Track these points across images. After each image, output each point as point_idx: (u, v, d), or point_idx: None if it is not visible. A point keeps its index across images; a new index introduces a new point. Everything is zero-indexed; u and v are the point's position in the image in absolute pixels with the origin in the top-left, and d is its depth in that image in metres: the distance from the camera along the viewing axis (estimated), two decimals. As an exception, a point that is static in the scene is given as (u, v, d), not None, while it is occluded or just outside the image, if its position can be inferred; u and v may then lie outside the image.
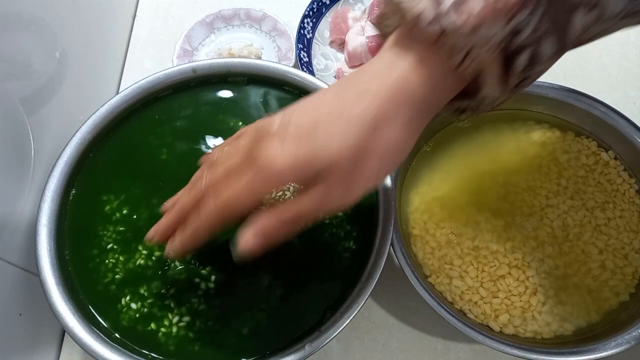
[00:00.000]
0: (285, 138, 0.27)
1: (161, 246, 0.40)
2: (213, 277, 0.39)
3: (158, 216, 0.41)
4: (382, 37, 0.31)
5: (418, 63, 0.28)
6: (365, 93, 0.28)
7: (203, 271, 0.39)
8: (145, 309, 0.38)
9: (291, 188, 0.40)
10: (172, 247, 0.32)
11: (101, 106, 0.44)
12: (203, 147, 0.44)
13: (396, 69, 0.28)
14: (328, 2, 0.61)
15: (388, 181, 0.41)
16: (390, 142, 0.28)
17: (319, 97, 0.30)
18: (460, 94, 0.30)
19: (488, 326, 0.41)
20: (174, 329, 0.37)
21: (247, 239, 0.29)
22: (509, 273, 0.43)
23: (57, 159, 0.42)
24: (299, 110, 0.29)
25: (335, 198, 0.29)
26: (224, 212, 0.29)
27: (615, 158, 0.47)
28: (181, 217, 0.32)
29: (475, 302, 0.42)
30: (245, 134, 0.31)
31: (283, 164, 0.27)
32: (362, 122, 0.27)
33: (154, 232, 0.34)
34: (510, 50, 0.26)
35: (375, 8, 0.60)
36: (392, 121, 0.28)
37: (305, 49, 0.57)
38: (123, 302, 0.38)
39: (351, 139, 0.27)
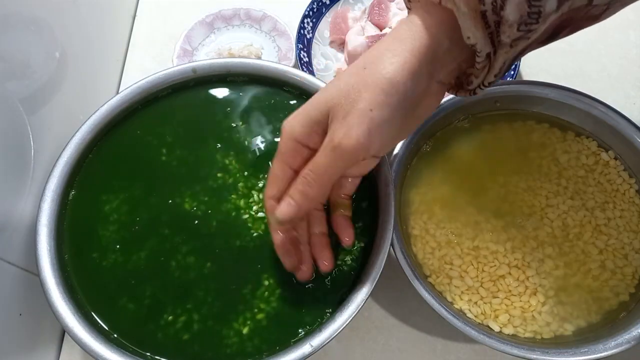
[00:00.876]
0: (350, 126, 0.31)
1: (161, 246, 0.40)
2: (213, 277, 0.39)
3: (158, 216, 0.41)
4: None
5: (420, 19, 0.32)
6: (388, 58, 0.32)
7: (203, 271, 0.39)
8: (145, 309, 0.38)
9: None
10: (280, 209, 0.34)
11: (101, 106, 0.44)
12: (203, 147, 0.44)
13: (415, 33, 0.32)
14: (328, 2, 0.61)
15: (388, 181, 0.41)
16: (380, 74, 0.31)
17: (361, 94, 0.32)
18: (469, 72, 0.33)
19: (488, 326, 0.41)
20: (174, 329, 0.37)
21: (281, 209, 0.33)
22: (509, 273, 0.42)
23: (57, 159, 0.42)
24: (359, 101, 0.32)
25: (339, 138, 0.31)
26: (321, 179, 0.33)
27: (615, 158, 0.47)
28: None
29: (475, 302, 0.42)
30: None
31: (349, 148, 0.31)
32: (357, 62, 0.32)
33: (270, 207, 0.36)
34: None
35: (375, 8, 0.60)
36: (385, 54, 0.31)
37: (305, 49, 0.57)
38: (122, 302, 0.38)
39: (345, 78, 0.32)
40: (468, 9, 0.29)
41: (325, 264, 0.38)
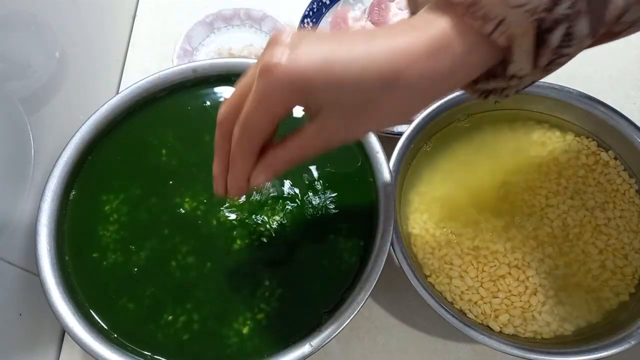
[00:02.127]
0: (295, 47, 0.25)
1: (161, 246, 0.40)
2: (213, 277, 0.39)
3: (158, 216, 0.41)
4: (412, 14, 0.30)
5: (455, 24, 0.26)
6: (396, 37, 0.26)
7: (203, 271, 0.39)
8: (145, 309, 0.38)
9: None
10: (229, 192, 0.32)
11: (101, 106, 0.44)
12: (203, 147, 0.44)
13: (434, 25, 0.26)
14: (328, 2, 0.61)
15: (388, 181, 0.41)
16: (408, 96, 0.26)
17: (347, 32, 0.28)
18: (489, 75, 0.29)
19: (488, 326, 0.41)
20: (174, 329, 0.37)
21: (256, 176, 0.30)
22: (509, 273, 0.42)
23: (57, 159, 0.42)
24: (321, 31, 0.27)
25: (335, 131, 0.28)
26: (247, 136, 0.28)
27: (615, 158, 0.47)
28: (225, 160, 0.31)
29: (475, 302, 0.42)
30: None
31: (284, 71, 0.25)
32: (387, 59, 0.25)
33: (216, 188, 0.33)
34: (545, 25, 0.25)
35: (375, 8, 0.60)
36: (418, 74, 0.26)
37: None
38: (122, 302, 0.38)
39: (371, 70, 0.25)
40: (528, 45, 0.25)
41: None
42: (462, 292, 0.42)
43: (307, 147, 0.29)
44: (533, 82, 0.30)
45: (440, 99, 0.29)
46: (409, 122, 0.46)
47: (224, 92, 0.47)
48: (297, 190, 0.42)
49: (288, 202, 0.42)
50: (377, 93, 0.26)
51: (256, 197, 0.42)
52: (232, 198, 0.33)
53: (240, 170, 0.30)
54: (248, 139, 0.28)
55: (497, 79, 0.29)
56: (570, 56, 0.28)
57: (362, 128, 0.29)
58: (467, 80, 0.28)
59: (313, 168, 0.43)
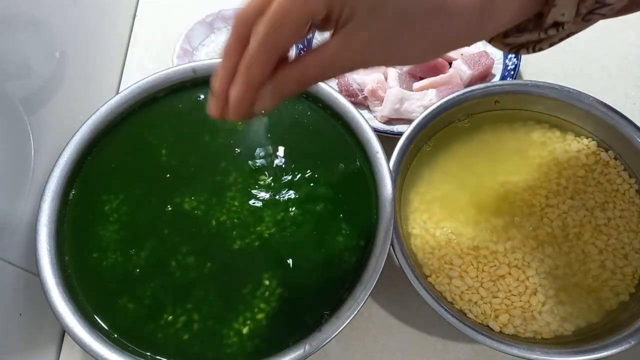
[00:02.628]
0: None
1: (161, 246, 0.40)
2: (213, 277, 0.39)
3: (158, 216, 0.41)
4: None
5: None
6: None
7: (203, 271, 0.39)
8: (145, 309, 0.38)
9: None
10: (229, 109, 0.27)
11: (101, 106, 0.44)
12: (202, 148, 0.44)
13: None
14: (328, 2, 0.61)
15: (388, 181, 0.41)
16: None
17: None
18: (520, 29, 0.28)
19: (488, 326, 0.41)
20: (174, 329, 0.37)
21: (263, 96, 0.25)
22: (509, 273, 0.42)
23: (57, 159, 0.42)
24: None
25: (364, 46, 0.24)
26: (273, 36, 0.24)
27: (616, 158, 0.47)
28: (233, 69, 0.26)
29: (475, 302, 0.42)
30: None
31: None
32: None
33: (212, 106, 0.28)
34: None
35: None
36: (463, 3, 0.24)
37: (305, 49, 0.57)
38: (122, 302, 0.38)
39: None
40: None
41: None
42: (462, 292, 0.42)
43: (328, 64, 0.25)
44: (569, 36, 0.28)
45: (471, 45, 0.28)
46: (408, 122, 0.46)
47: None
48: (297, 190, 0.42)
49: (288, 202, 0.42)
50: (422, 11, 0.24)
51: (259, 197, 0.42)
52: (230, 119, 0.27)
53: (253, 81, 0.25)
54: (274, 40, 0.24)
55: (531, 31, 0.28)
56: (610, 7, 0.26)
57: (392, 52, 0.25)
58: (503, 25, 0.27)
59: (313, 168, 0.43)
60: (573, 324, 0.41)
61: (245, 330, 0.38)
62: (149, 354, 0.37)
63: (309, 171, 0.43)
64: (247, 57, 0.25)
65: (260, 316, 0.38)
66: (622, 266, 0.43)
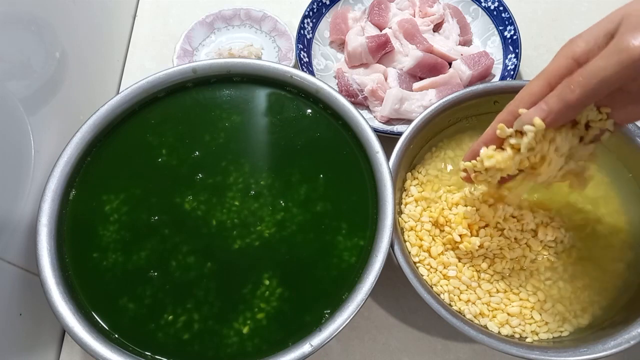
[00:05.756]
0: None
1: (161, 246, 0.40)
2: (213, 277, 0.39)
3: (158, 216, 0.41)
4: None
5: None
6: None
7: (203, 271, 0.39)
8: (145, 309, 0.38)
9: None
10: (549, 115, 0.32)
11: (101, 106, 0.44)
12: (203, 147, 0.44)
13: None
14: (328, 3, 0.61)
15: (387, 181, 0.41)
16: None
17: None
18: None
19: (486, 326, 0.41)
20: (174, 329, 0.37)
21: (528, 112, 0.32)
22: (509, 273, 0.42)
23: (57, 159, 0.42)
24: None
25: (627, 41, 0.28)
26: (590, 83, 0.29)
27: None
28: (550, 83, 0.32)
29: (474, 302, 0.42)
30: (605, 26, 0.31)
31: None
32: None
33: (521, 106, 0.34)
34: None
35: (375, 8, 0.60)
36: None
37: (305, 49, 0.57)
38: (123, 302, 0.38)
39: None
40: None
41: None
42: (460, 292, 0.42)
43: None
44: None
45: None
46: (408, 122, 0.46)
47: (224, 92, 0.47)
48: (297, 190, 0.42)
49: (288, 202, 0.42)
50: None
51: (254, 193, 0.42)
52: (545, 121, 0.32)
53: (575, 100, 0.30)
54: (594, 85, 0.29)
55: None
56: None
57: None
58: None
59: (314, 168, 0.43)
60: (572, 324, 0.41)
61: (245, 330, 0.38)
62: (149, 353, 0.37)
63: (309, 171, 0.43)
64: (571, 83, 0.31)
65: (260, 316, 0.38)
66: (621, 267, 0.43)
